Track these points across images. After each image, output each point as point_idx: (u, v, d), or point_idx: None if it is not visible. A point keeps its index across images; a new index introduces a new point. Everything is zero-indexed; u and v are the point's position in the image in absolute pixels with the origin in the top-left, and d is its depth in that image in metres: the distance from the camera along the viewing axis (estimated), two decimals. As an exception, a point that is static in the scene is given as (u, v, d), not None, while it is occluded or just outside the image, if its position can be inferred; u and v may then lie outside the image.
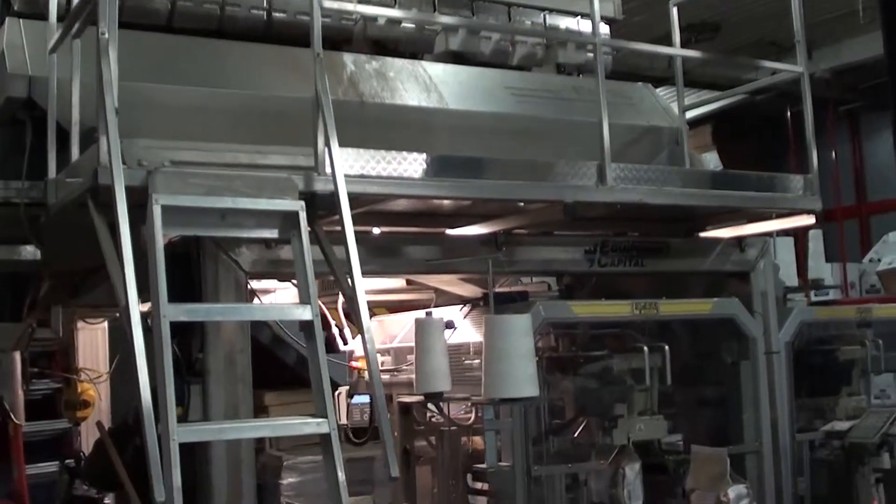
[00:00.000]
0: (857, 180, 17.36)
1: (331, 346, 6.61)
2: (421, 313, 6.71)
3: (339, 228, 4.70)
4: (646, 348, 6.02)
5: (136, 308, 4.06)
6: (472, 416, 6.47)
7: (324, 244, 4.87)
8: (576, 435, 6.24)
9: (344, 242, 4.65)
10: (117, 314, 7.91)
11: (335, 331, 7.09)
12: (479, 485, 6.43)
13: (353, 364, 7.14)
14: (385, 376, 7.11)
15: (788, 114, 15.83)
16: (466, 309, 6.34)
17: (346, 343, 7.17)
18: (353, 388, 7.20)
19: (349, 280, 4.68)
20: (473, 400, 5.57)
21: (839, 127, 16.87)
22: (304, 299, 4.56)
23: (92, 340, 8.35)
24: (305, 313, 4.53)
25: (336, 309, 7.12)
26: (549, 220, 5.95)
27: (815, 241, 7.84)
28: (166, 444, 4.03)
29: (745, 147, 16.56)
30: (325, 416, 4.41)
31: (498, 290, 6.09)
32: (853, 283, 14.35)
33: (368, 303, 7.24)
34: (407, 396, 6.45)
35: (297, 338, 10.77)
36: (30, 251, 6.00)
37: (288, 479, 9.93)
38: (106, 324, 8.35)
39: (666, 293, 6.39)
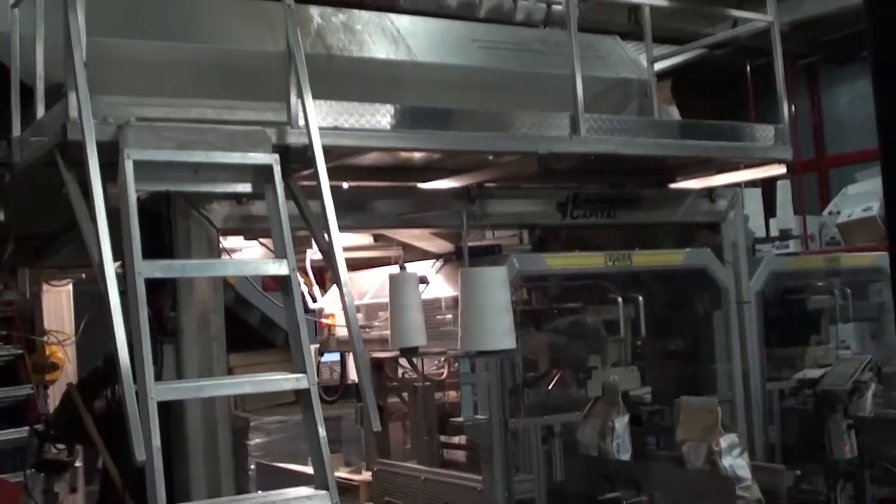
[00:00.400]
0: (816, 134, 17.41)
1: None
2: (391, 269, 6.67)
3: (310, 183, 4.64)
4: (620, 299, 6.02)
5: (111, 264, 3.98)
6: (445, 371, 6.45)
7: (299, 198, 4.80)
8: (550, 387, 6.23)
9: (319, 196, 4.59)
10: (83, 275, 7.83)
11: (303, 289, 7.00)
12: (454, 439, 6.43)
13: (323, 322, 7.08)
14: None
15: (748, 68, 15.83)
16: (439, 264, 6.29)
17: (314, 301, 7.09)
18: (323, 347, 7.14)
19: (325, 234, 4.62)
20: (450, 353, 5.54)
21: (798, 81, 16.89)
22: (280, 254, 4.50)
23: (57, 303, 8.22)
24: (282, 268, 4.46)
25: (303, 267, 7.03)
26: (522, 173, 5.91)
27: (784, 192, 7.83)
28: (144, 402, 3.96)
29: (705, 103, 16.52)
30: (305, 372, 4.37)
31: (470, 244, 6.04)
32: (813, 235, 14.45)
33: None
34: (380, 352, 6.38)
35: (259, 298, 10.74)
36: (-7, 214, 5.87)
37: (255, 440, 9.93)
38: (71, 286, 8.23)
39: (636, 246, 6.37)
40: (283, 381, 4.42)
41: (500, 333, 5.22)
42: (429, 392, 6.48)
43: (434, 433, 6.41)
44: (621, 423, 5.72)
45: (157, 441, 3.95)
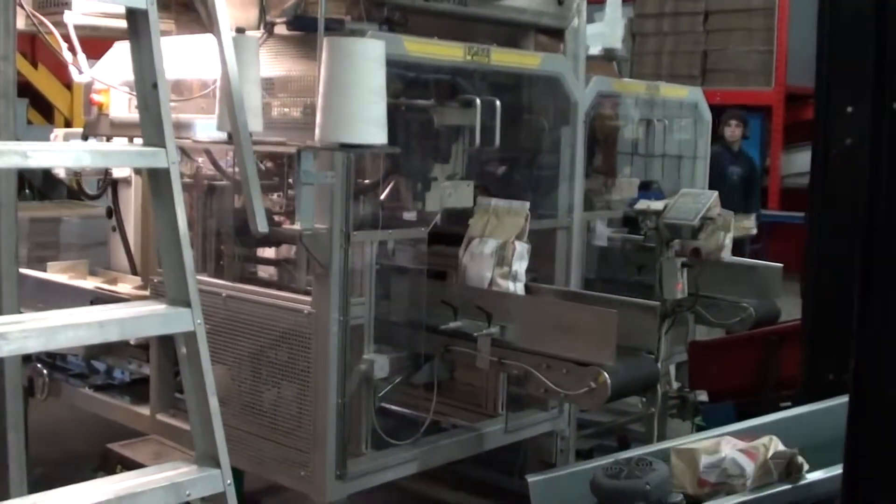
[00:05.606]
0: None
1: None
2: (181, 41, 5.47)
3: None
4: (478, 100, 5.15)
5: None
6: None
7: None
8: (382, 197, 5.32)
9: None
10: None
11: (67, 58, 5.61)
12: (261, 251, 5.43)
13: (94, 98, 5.76)
14: (134, 115, 5.83)
15: None
16: (263, 36, 5.13)
17: (80, 73, 5.70)
18: (90, 130, 5.82)
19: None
20: (299, 145, 4.45)
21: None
22: (133, -17, 3.30)
23: None
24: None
25: (68, 33, 5.61)
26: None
27: (614, 8, 7.16)
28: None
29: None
30: (163, 146, 3.25)
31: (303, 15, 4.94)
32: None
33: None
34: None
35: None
36: None
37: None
38: None
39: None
40: (136, 154, 3.29)
41: (373, 123, 4.24)
42: (227, 194, 5.40)
43: (233, 243, 5.35)
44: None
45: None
